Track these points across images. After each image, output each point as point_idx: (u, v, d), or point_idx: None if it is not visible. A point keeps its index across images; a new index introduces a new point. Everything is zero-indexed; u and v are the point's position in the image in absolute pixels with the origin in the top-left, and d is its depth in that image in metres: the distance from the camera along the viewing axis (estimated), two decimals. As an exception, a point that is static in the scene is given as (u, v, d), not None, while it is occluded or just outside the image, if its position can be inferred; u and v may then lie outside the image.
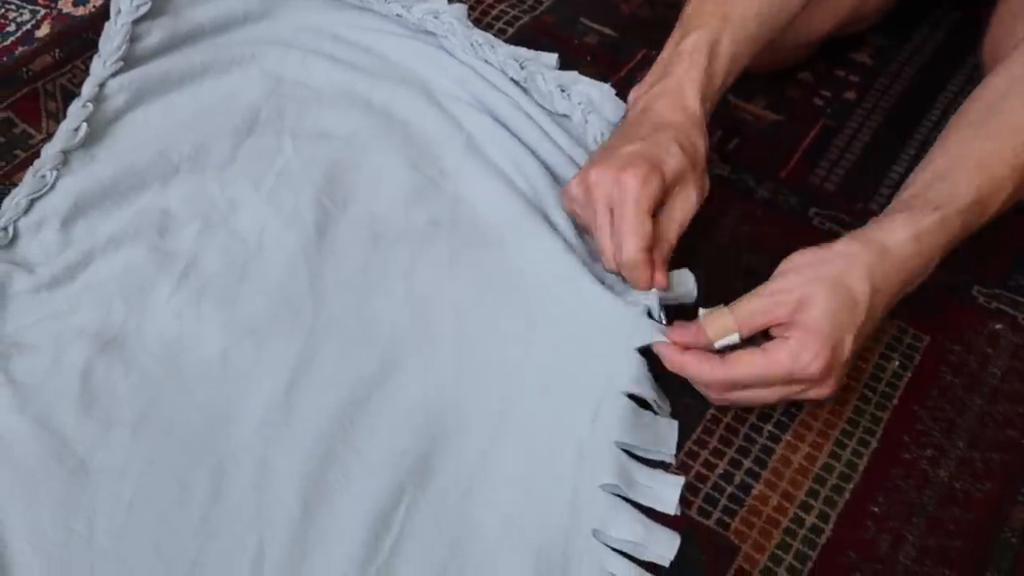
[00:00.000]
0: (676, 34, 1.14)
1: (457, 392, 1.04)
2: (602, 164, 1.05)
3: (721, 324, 0.97)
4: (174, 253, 1.14)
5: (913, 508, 1.01)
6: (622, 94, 1.16)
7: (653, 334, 1.02)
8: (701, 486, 1.01)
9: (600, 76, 1.37)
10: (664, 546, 0.94)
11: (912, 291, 1.02)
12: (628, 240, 1.02)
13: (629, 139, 1.06)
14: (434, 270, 1.14)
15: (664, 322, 1.04)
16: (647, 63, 1.18)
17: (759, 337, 0.97)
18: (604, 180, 1.04)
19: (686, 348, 0.99)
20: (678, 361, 1.00)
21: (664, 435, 1.03)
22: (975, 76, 1.21)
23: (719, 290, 1.07)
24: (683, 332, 1.00)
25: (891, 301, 0.99)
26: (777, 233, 1.22)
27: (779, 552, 0.97)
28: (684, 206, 1.06)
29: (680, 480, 0.99)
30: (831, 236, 1.19)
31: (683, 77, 1.10)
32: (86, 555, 0.91)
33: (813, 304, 0.94)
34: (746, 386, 0.97)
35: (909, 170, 1.27)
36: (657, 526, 0.95)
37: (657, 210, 1.05)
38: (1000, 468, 1.04)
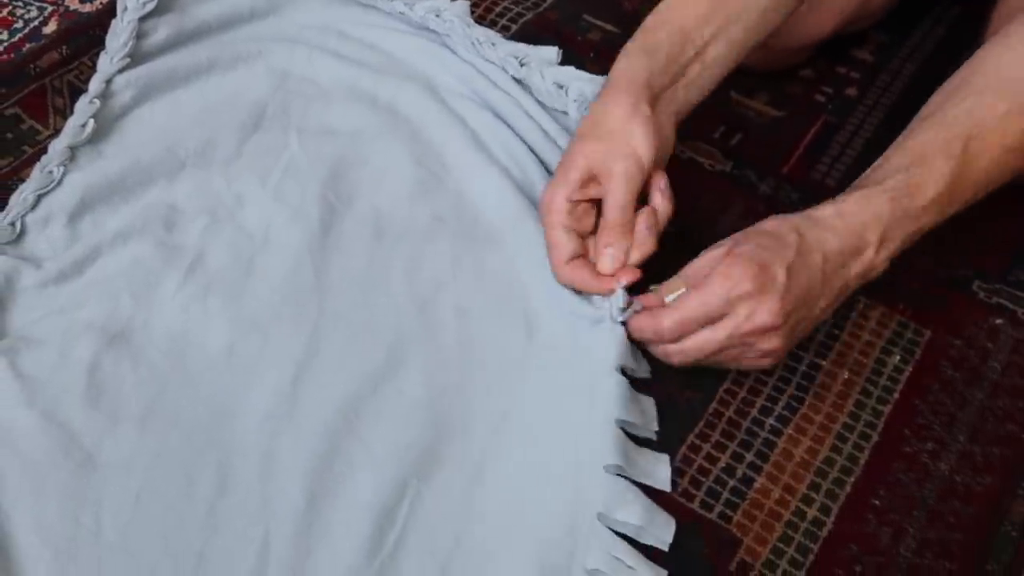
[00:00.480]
0: None
1: (460, 387, 1.04)
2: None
3: (670, 285, 1.01)
4: (181, 248, 1.14)
5: (914, 501, 1.01)
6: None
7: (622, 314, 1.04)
8: (703, 480, 1.01)
9: (603, 72, 1.34)
10: (663, 529, 0.94)
11: (876, 278, 1.04)
12: (550, 257, 1.07)
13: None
14: (437, 267, 1.14)
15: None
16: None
17: None
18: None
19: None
20: (635, 324, 1.03)
21: (648, 412, 1.04)
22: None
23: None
24: (642, 298, 1.03)
25: (829, 264, 0.99)
26: (779, 228, 1.21)
27: (781, 545, 0.97)
28: (610, 184, 1.05)
29: (666, 457, 1.01)
30: None
31: (625, 46, 1.12)
32: (93, 548, 0.91)
33: (741, 242, 0.98)
34: (691, 324, 0.98)
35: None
36: (656, 508, 0.96)
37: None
38: (1000, 462, 1.04)
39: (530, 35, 1.44)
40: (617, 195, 1.04)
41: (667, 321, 0.99)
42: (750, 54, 1.22)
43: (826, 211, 1.01)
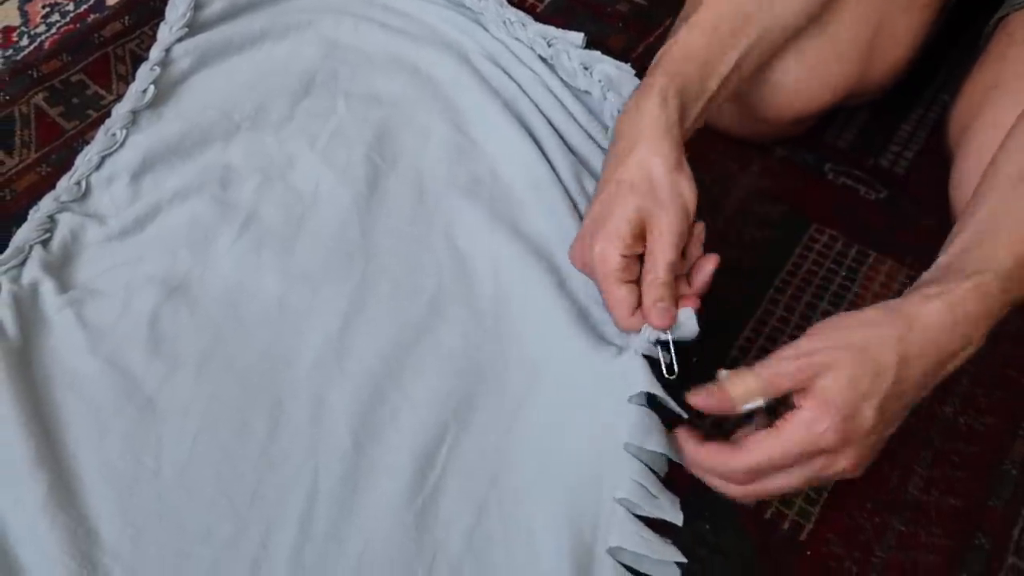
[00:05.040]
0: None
1: (497, 338, 1.03)
2: (574, 243, 0.99)
3: (745, 387, 0.84)
4: (235, 205, 1.14)
5: (920, 442, 1.00)
6: (653, 58, 1.12)
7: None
8: (723, 421, 0.99)
9: (630, 43, 1.36)
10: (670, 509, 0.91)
11: (960, 365, 0.85)
12: (614, 311, 0.96)
13: (599, 188, 0.98)
14: (475, 224, 1.12)
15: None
16: (676, 29, 1.16)
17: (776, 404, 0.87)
18: (574, 260, 0.98)
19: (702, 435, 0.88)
20: (695, 454, 0.87)
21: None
22: (978, 42, 1.17)
23: (740, 240, 1.04)
24: (706, 396, 0.86)
25: (928, 374, 0.83)
26: (794, 186, 1.21)
27: None
28: (659, 243, 0.94)
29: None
30: (845, 189, 1.19)
31: (642, 87, 0.99)
32: (153, 486, 0.91)
33: (833, 371, 0.81)
34: (765, 470, 0.84)
35: (917, 128, 1.27)
36: (663, 488, 0.92)
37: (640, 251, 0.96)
38: (1001, 404, 1.03)
39: (561, 7, 1.43)
40: (668, 253, 0.93)
41: (738, 465, 0.83)
42: (747, 127, 1.19)
43: (941, 317, 0.82)
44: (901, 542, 0.94)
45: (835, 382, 0.79)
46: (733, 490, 0.85)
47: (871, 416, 0.80)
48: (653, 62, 0.99)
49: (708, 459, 0.84)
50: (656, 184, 0.93)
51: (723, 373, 0.84)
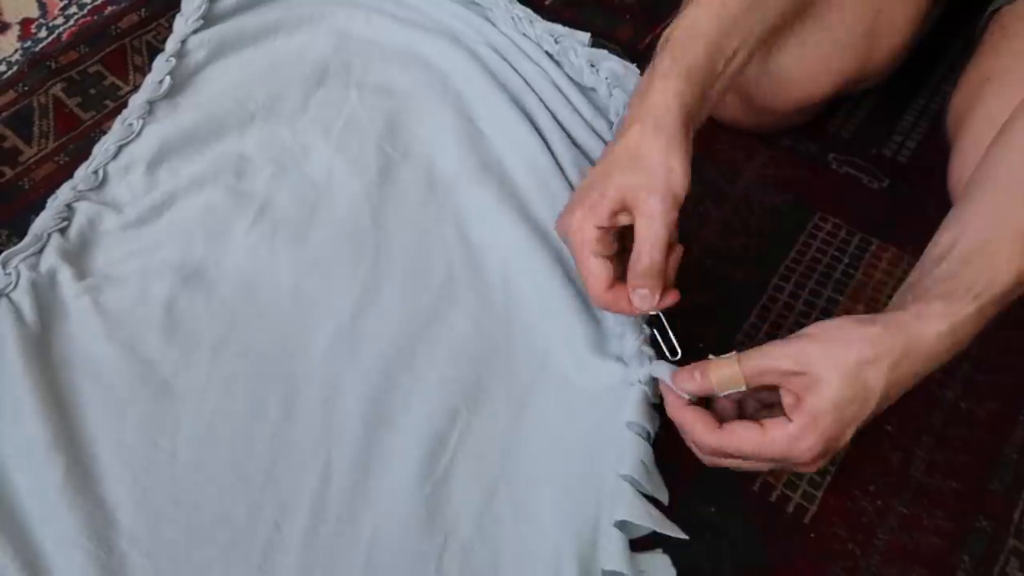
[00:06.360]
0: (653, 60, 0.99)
1: (507, 324, 1.03)
2: (564, 209, 0.94)
3: (728, 374, 0.84)
4: (250, 194, 1.14)
5: (923, 427, 0.99)
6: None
7: (658, 370, 0.93)
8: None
9: (638, 33, 1.36)
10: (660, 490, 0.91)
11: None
12: (587, 284, 0.92)
13: (591, 172, 0.94)
14: (484, 212, 1.12)
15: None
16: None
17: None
18: (557, 228, 0.94)
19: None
20: (678, 414, 0.87)
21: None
22: (977, 35, 1.17)
23: (745, 228, 1.04)
24: (688, 379, 0.86)
25: (907, 388, 0.83)
26: (798, 175, 1.20)
27: None
28: (644, 229, 0.90)
29: None
30: (848, 178, 1.18)
31: (649, 70, 0.96)
32: (169, 469, 0.92)
33: (825, 390, 0.80)
34: (735, 456, 0.85)
35: (919, 118, 1.26)
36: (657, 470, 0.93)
37: (625, 237, 0.93)
38: (1002, 390, 1.03)
39: (569, -1, 1.42)
40: (653, 237, 0.89)
41: (713, 441, 0.84)
42: (751, 118, 1.18)
43: (936, 328, 0.81)
44: (903, 525, 0.93)
45: (825, 405, 0.79)
46: (698, 451, 0.87)
47: (848, 436, 0.81)
48: (660, 41, 0.96)
49: (687, 423, 0.85)
50: (645, 163, 0.90)
51: (711, 359, 0.85)
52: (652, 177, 0.89)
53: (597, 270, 0.90)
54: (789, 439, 0.80)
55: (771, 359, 0.82)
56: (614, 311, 0.92)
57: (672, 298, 0.91)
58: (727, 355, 0.84)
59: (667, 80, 0.92)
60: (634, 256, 0.89)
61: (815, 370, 0.79)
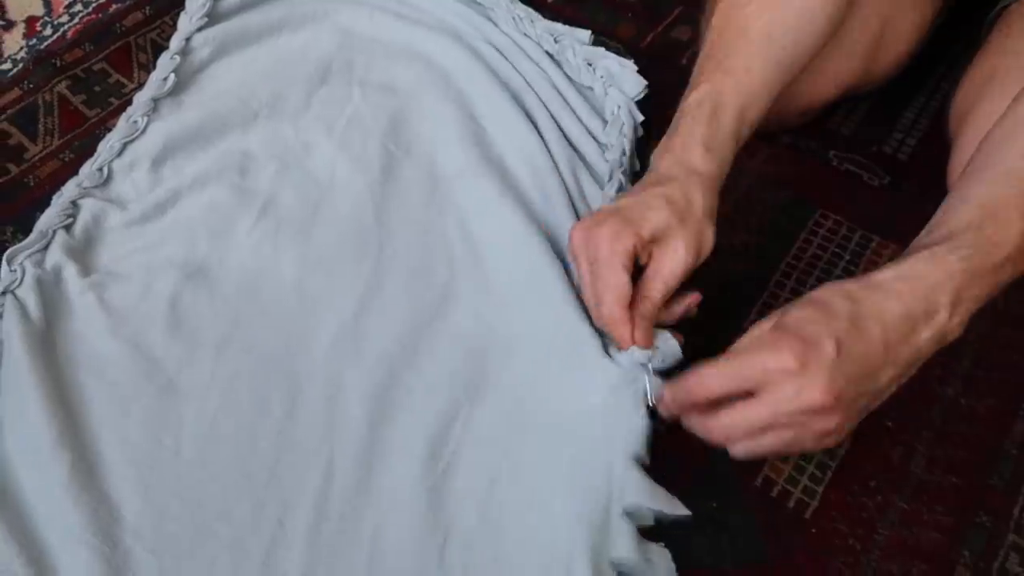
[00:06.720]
0: (686, 92, 1.02)
1: (508, 319, 1.03)
2: (583, 221, 0.95)
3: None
4: (254, 191, 1.14)
5: (923, 422, 0.99)
6: (661, 47, 1.11)
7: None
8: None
9: (640, 31, 1.36)
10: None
11: (937, 337, 0.84)
12: (604, 296, 0.92)
13: (625, 196, 0.96)
14: (485, 208, 1.12)
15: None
16: (684, 19, 1.15)
17: None
18: (580, 236, 0.94)
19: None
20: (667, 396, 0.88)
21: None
22: (979, 33, 1.17)
23: (747, 225, 1.03)
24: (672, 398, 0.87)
25: (891, 329, 0.82)
26: (799, 173, 1.20)
27: (802, 463, 0.96)
28: (670, 262, 0.93)
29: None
30: (849, 175, 1.19)
31: (685, 134, 0.98)
32: (173, 465, 0.91)
33: (786, 314, 0.83)
34: (722, 390, 0.83)
35: (919, 116, 1.26)
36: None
37: (644, 267, 0.94)
38: (1002, 385, 1.02)
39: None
40: (670, 282, 0.92)
41: (691, 379, 0.84)
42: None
43: (886, 274, 0.83)
44: (904, 520, 0.93)
45: (790, 317, 0.81)
46: (711, 427, 0.84)
47: (830, 347, 0.79)
48: (691, 102, 0.99)
49: (675, 388, 0.86)
50: (690, 216, 0.92)
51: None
52: (690, 233, 0.92)
53: (622, 283, 0.91)
54: (760, 346, 0.81)
55: (747, 337, 0.84)
56: (616, 333, 0.93)
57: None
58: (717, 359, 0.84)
59: (712, 150, 0.96)
60: (645, 293, 0.92)
61: (777, 316, 0.83)
